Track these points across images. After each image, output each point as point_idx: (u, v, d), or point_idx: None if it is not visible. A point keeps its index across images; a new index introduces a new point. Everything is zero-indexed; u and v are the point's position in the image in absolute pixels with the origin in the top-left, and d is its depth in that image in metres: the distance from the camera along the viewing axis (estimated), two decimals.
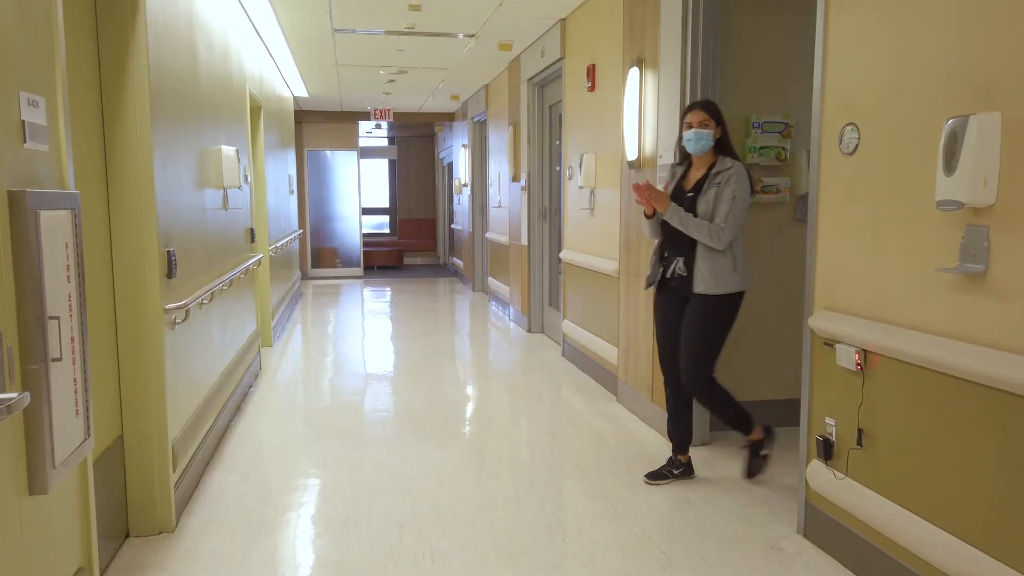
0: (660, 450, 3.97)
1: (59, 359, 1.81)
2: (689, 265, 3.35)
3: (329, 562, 2.81)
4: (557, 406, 5.15)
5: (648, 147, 4.40)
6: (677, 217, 3.32)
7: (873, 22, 2.52)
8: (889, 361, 2.45)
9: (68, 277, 1.89)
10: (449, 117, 12.75)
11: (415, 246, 15.87)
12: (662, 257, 3.50)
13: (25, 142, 1.77)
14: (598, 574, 2.71)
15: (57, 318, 1.80)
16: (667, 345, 3.56)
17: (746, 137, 4.14)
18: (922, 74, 2.29)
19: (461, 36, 6.60)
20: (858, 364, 2.56)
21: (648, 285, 3.59)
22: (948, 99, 2.19)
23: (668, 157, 4.06)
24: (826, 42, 2.76)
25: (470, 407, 5.07)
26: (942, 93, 2.21)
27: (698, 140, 3.33)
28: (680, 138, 3.44)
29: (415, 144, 16.20)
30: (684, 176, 3.47)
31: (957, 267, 2.14)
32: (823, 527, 2.86)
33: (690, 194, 3.38)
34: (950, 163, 2.08)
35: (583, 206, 5.71)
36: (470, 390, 5.54)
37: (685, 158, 3.50)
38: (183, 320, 3.25)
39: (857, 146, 2.59)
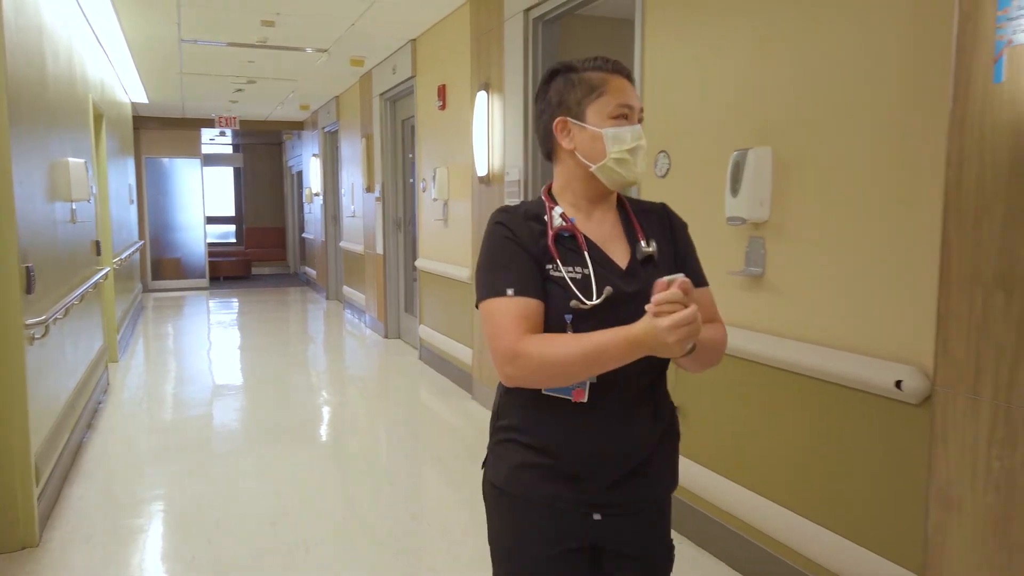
0: None
1: None
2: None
3: (205, 561, 2.95)
4: (415, 406, 5.43)
5: (496, 164, 4.79)
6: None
7: (681, 65, 3.02)
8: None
9: None
10: (298, 126, 12.66)
11: (264, 255, 15.53)
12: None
13: None
14: (458, 552, 3.04)
15: None
16: None
17: None
18: (718, 113, 2.80)
19: (312, 51, 6.73)
20: None
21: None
22: (736, 134, 2.70)
23: (515, 174, 4.47)
24: (643, 78, 3.25)
25: (330, 413, 5.23)
26: (732, 129, 2.73)
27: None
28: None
29: (262, 152, 15.86)
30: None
31: (743, 270, 2.66)
32: None
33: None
34: (735, 186, 2.59)
35: (437, 217, 6.02)
36: (329, 396, 5.69)
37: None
38: (42, 336, 3.25)
39: (668, 170, 3.09)
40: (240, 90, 8.99)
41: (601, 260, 1.39)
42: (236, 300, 11.30)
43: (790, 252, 2.50)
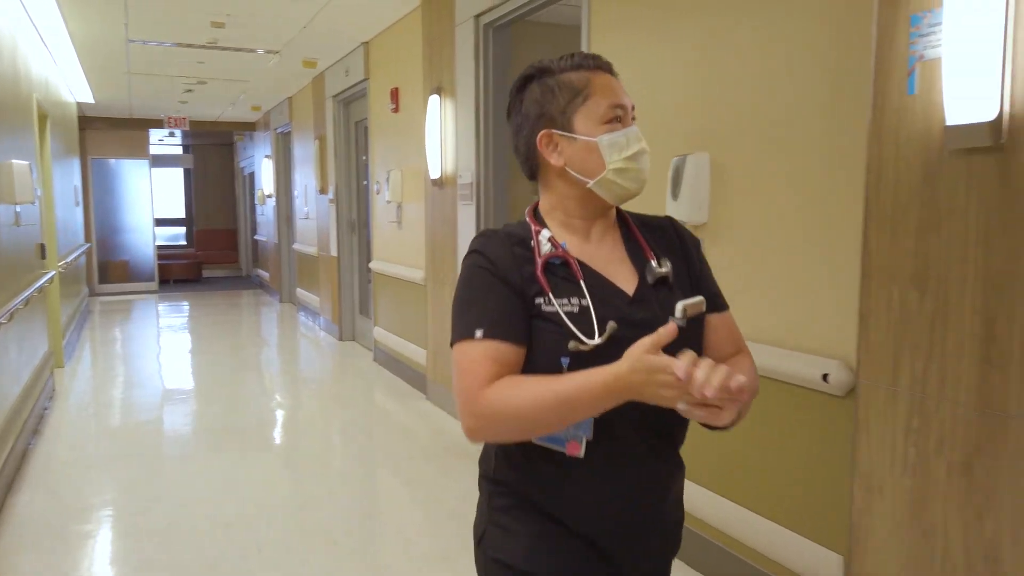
0: (465, 440, 4.42)
1: None
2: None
3: (159, 563, 2.95)
4: (370, 407, 5.45)
5: (449, 167, 4.85)
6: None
7: (625, 72, 3.11)
8: None
9: None
10: (250, 127, 12.52)
11: (215, 258, 15.30)
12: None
13: None
14: (412, 549, 3.09)
15: None
16: None
17: None
18: (660, 118, 2.91)
19: (264, 52, 6.70)
20: None
21: None
22: (677, 140, 2.82)
23: (467, 177, 4.54)
24: None
25: (284, 415, 5.23)
26: (673, 135, 2.84)
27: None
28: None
29: (213, 153, 15.62)
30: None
31: None
32: None
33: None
34: (676, 190, 2.70)
35: (391, 219, 6.06)
36: (282, 399, 5.68)
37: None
38: None
39: None
40: (190, 90, 8.87)
41: (602, 288, 1.17)
42: (187, 303, 11.13)
43: (726, 253, 2.61)
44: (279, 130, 10.32)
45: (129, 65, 7.32)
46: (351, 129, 7.41)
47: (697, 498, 2.73)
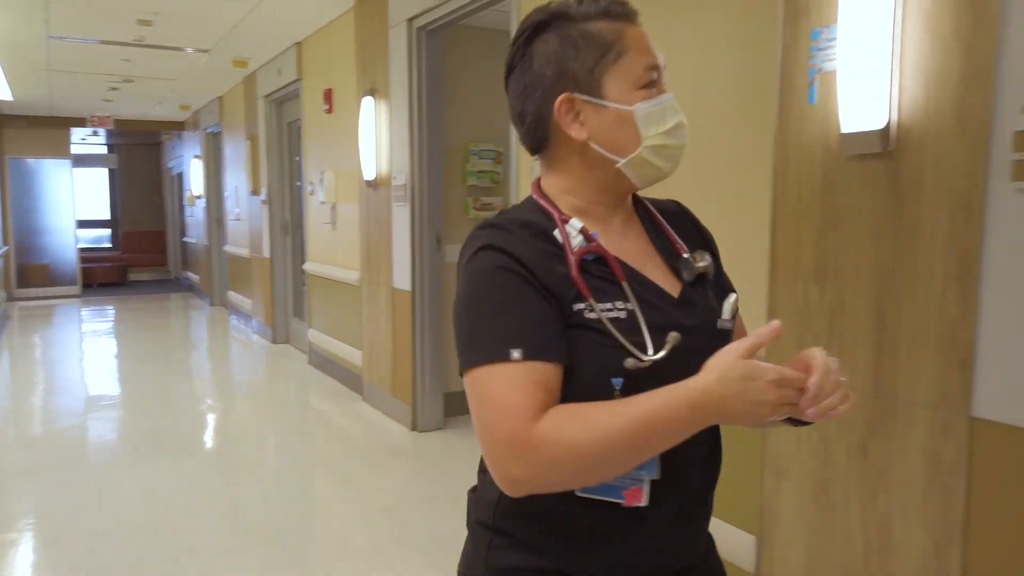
0: (400, 438, 4.46)
1: None
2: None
3: (84, 569, 2.90)
4: (304, 410, 5.43)
5: (384, 168, 4.88)
6: None
7: None
8: None
9: None
10: (178, 126, 12.22)
11: (142, 261, 14.85)
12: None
13: None
14: (346, 546, 3.12)
15: None
16: None
17: (466, 162, 4.80)
18: None
19: (193, 51, 6.58)
20: None
21: None
22: None
23: (402, 178, 4.58)
24: None
25: (215, 420, 5.16)
26: None
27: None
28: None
29: (139, 153, 15.17)
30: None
31: None
32: None
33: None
34: None
35: (325, 220, 6.03)
36: (214, 404, 5.60)
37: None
38: None
39: None
40: (115, 88, 8.62)
41: (644, 289, 0.97)
42: (112, 308, 10.79)
43: None
44: (209, 130, 10.12)
45: (50, 62, 7.08)
46: (284, 129, 7.34)
47: None
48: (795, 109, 2.11)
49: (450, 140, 4.73)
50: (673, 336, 0.92)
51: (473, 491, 1.08)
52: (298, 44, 6.34)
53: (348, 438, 4.61)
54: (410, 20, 4.39)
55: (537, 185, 1.05)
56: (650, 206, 1.10)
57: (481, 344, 0.90)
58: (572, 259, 0.94)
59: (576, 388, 0.90)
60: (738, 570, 2.37)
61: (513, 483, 0.86)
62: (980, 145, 1.69)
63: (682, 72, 2.56)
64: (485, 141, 4.86)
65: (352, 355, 5.55)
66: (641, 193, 1.08)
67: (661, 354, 0.91)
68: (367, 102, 4.94)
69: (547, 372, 0.88)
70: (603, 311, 0.92)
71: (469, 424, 4.57)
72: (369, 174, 5.00)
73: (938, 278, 1.78)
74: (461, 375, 0.92)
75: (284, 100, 7.16)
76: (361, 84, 5.12)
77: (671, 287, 1.01)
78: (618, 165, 0.98)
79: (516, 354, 0.87)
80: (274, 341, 7.61)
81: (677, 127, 1.00)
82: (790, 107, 2.12)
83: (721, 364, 0.83)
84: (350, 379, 5.66)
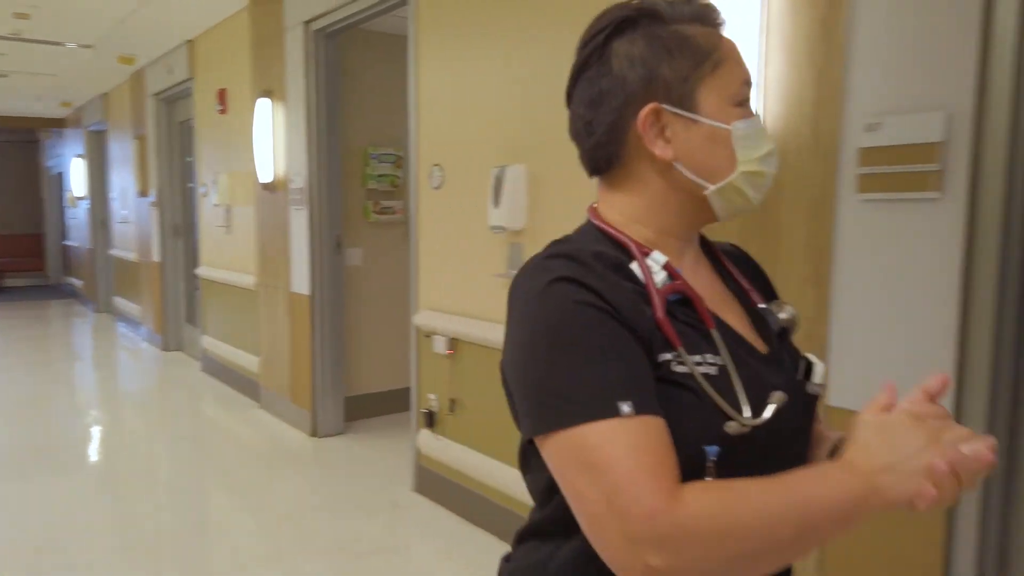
0: (300, 444, 4.41)
1: None
2: None
3: None
4: (198, 419, 5.27)
5: (280, 171, 4.81)
6: None
7: (449, 85, 3.30)
8: (468, 345, 3.24)
9: None
10: (59, 124, 11.55)
11: (17, 266, 13.91)
12: None
13: None
14: (242, 557, 3.08)
15: None
16: None
17: (365, 166, 4.80)
18: (481, 131, 3.10)
19: (76, 47, 6.27)
20: (449, 350, 3.32)
21: None
22: (498, 151, 3.02)
23: (299, 181, 4.53)
24: (418, 97, 3.49)
25: (101, 432, 4.94)
26: (494, 146, 3.04)
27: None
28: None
29: (14, 150, 14.20)
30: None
31: (505, 273, 2.98)
32: (431, 482, 3.58)
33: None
34: (497, 198, 2.90)
35: (219, 223, 5.88)
36: (100, 415, 5.35)
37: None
38: None
39: (442, 182, 3.35)
40: None
41: (732, 341, 0.83)
42: None
43: None
44: (92, 128, 9.63)
45: None
46: (175, 129, 7.09)
47: (502, 473, 2.94)
48: None
49: (349, 143, 4.72)
50: (779, 396, 0.80)
51: (507, 560, 0.93)
52: (190, 42, 6.15)
53: (245, 446, 4.52)
54: (307, 23, 4.36)
55: (595, 211, 0.91)
56: (714, 246, 0.97)
57: (575, 396, 0.72)
58: (657, 299, 0.79)
59: None
60: None
61: (646, 572, 0.67)
62: (831, 160, 1.88)
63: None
64: (385, 145, 4.87)
65: (248, 361, 5.43)
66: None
67: (765, 416, 0.78)
68: (263, 103, 4.86)
69: (662, 430, 0.72)
70: (694, 364, 0.77)
71: (371, 428, 4.59)
72: (265, 177, 4.91)
73: (796, 280, 1.96)
74: (530, 440, 0.77)
75: (175, 99, 6.92)
76: (257, 85, 5.03)
77: (754, 340, 0.87)
78: (706, 192, 0.84)
79: (626, 408, 0.70)
80: (165, 348, 7.33)
81: (770, 154, 0.86)
82: None
83: (861, 441, 0.75)
84: (246, 386, 5.54)
